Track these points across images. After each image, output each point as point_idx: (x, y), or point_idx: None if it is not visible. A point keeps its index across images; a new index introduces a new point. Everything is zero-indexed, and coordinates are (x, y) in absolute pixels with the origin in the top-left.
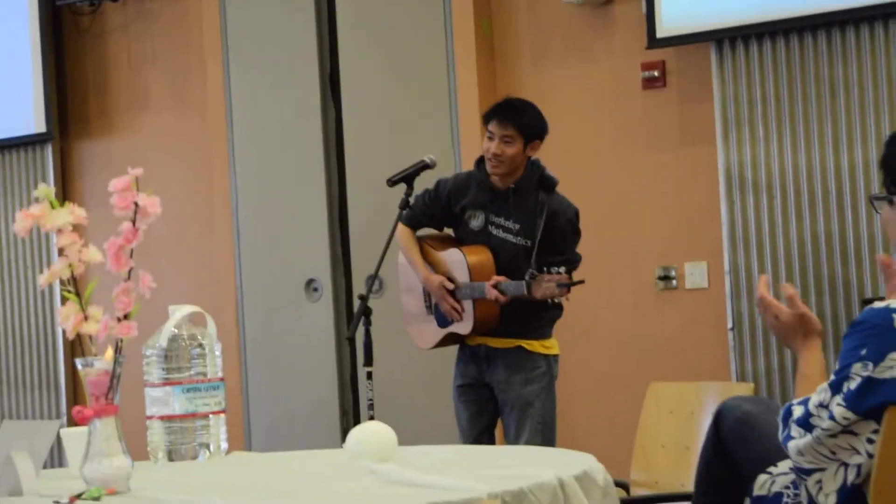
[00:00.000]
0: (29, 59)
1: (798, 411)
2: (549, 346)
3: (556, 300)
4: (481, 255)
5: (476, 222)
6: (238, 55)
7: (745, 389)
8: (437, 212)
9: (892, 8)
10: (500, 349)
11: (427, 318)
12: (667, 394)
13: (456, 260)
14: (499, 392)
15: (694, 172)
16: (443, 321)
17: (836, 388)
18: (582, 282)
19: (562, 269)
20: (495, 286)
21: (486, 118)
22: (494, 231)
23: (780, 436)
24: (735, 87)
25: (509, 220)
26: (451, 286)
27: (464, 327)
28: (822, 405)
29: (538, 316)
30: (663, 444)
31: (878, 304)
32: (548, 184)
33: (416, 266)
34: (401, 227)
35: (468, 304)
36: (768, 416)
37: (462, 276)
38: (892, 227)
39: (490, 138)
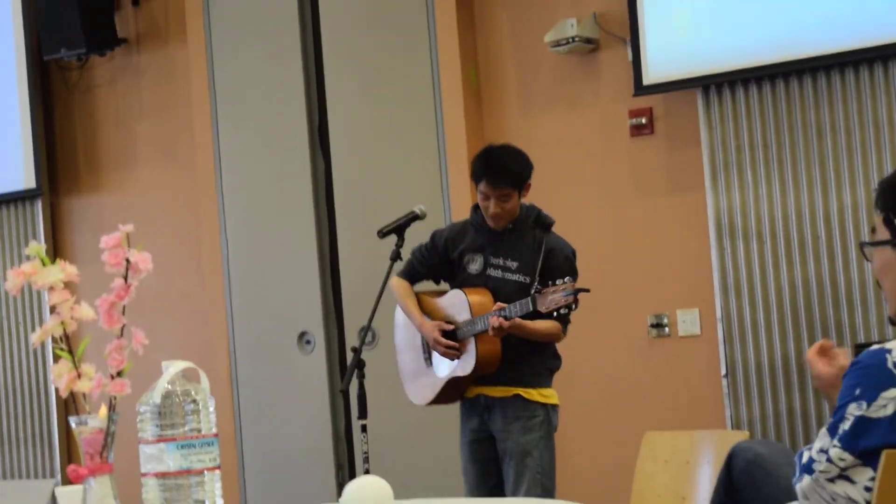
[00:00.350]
0: (17, 115)
1: (806, 456)
2: (548, 395)
3: (558, 328)
4: (482, 295)
5: (475, 266)
6: (226, 109)
7: (740, 437)
8: (436, 261)
9: (877, 52)
10: (498, 398)
11: (425, 371)
12: (662, 443)
13: (456, 301)
14: (498, 441)
15: (683, 218)
16: (440, 368)
17: (833, 430)
18: (587, 290)
19: (567, 279)
20: (499, 311)
21: (476, 177)
22: (493, 272)
23: (793, 480)
24: (723, 132)
25: (507, 258)
26: (448, 327)
27: (465, 366)
28: (823, 451)
29: (536, 364)
30: (659, 493)
31: (874, 347)
32: (544, 222)
33: (412, 314)
34: (396, 280)
35: (470, 343)
36: (779, 459)
37: (464, 315)
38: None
39: (486, 198)
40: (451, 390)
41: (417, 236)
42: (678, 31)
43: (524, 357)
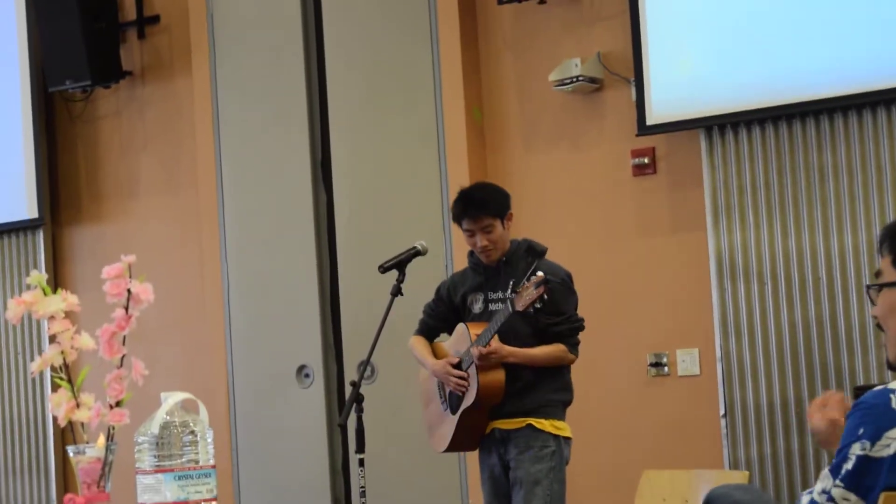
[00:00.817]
0: (21, 145)
1: (805, 500)
2: (560, 427)
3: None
4: (482, 325)
5: (478, 305)
6: (229, 142)
7: (739, 478)
8: (444, 311)
9: (880, 96)
10: (511, 430)
11: (443, 415)
12: (661, 481)
13: (459, 335)
14: (511, 471)
15: (685, 258)
16: (455, 406)
17: (835, 471)
18: (554, 280)
19: (538, 273)
20: (474, 342)
21: (457, 219)
22: (494, 307)
23: None
24: (725, 172)
25: (505, 290)
26: (454, 360)
27: (470, 396)
28: (824, 491)
29: (547, 396)
30: None
31: (878, 387)
32: (536, 250)
33: (424, 360)
34: (412, 337)
35: (472, 373)
36: None
37: (465, 346)
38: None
39: (471, 235)
40: (468, 429)
41: (419, 271)
42: (682, 72)
43: (534, 389)
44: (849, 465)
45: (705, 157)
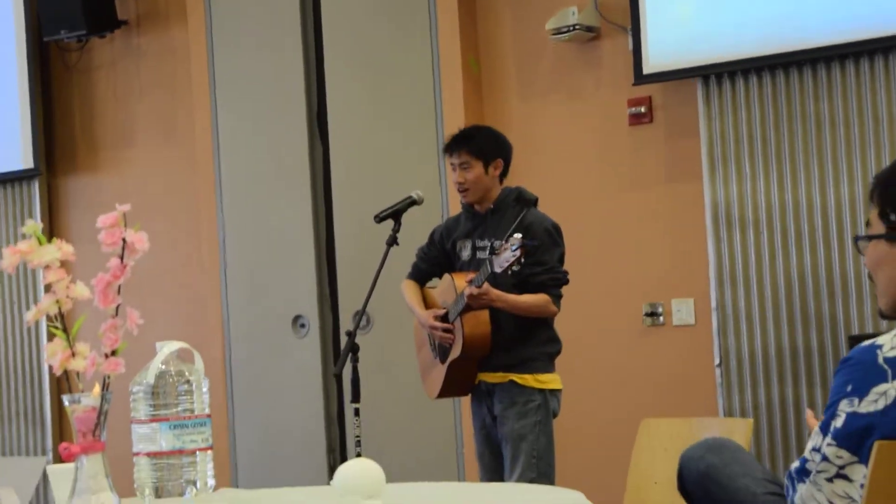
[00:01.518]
0: (16, 96)
1: (795, 464)
2: (545, 380)
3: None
4: (468, 275)
5: (466, 252)
6: (225, 92)
7: (742, 425)
8: (435, 255)
9: (878, 44)
10: (496, 384)
11: (434, 362)
12: (659, 431)
13: (446, 285)
14: (498, 426)
15: (680, 209)
16: (444, 355)
17: (825, 428)
18: (532, 243)
19: (517, 235)
20: (469, 282)
21: (444, 152)
22: (481, 255)
23: (788, 499)
24: (721, 123)
25: (492, 239)
26: (441, 312)
27: (456, 347)
28: (815, 449)
29: (531, 349)
30: (656, 480)
31: (865, 343)
32: (526, 199)
33: (414, 308)
34: (404, 282)
35: (458, 325)
36: (732, 468)
37: (452, 296)
38: (891, 265)
39: (453, 169)
40: (457, 377)
41: (414, 221)
42: (679, 21)
43: (518, 341)
44: (838, 423)
45: (702, 107)
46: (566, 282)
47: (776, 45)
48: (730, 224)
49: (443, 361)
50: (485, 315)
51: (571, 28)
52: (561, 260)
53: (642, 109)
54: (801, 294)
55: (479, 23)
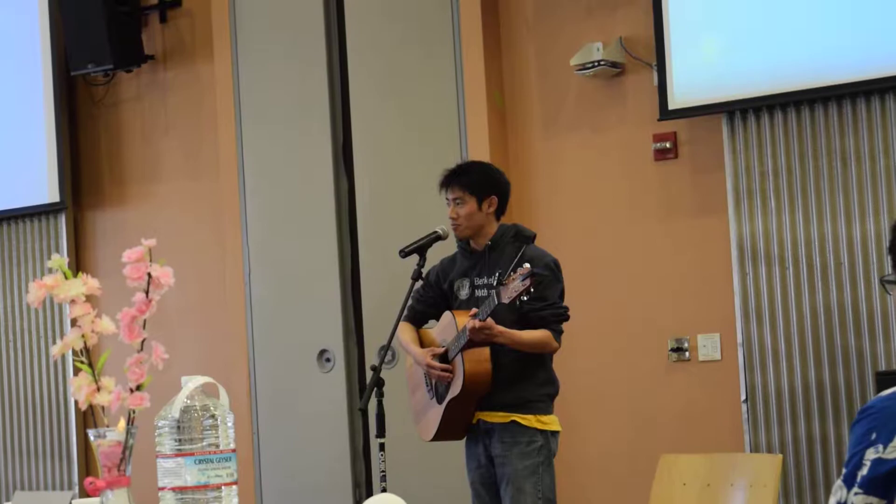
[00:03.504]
0: (43, 129)
1: None
2: (547, 421)
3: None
4: (469, 312)
5: (464, 291)
6: (251, 126)
7: (771, 460)
8: (432, 296)
9: None
10: (496, 423)
11: (430, 403)
12: (679, 466)
13: (446, 323)
14: (497, 466)
15: (706, 243)
16: (441, 395)
17: (849, 480)
18: (542, 272)
19: (525, 265)
20: (472, 316)
21: (440, 189)
22: (480, 293)
23: None
24: (747, 158)
25: (490, 276)
26: (439, 351)
27: (456, 386)
28: (841, 502)
29: (533, 390)
30: None
31: (885, 392)
32: (525, 235)
33: (409, 348)
34: (401, 324)
35: (458, 363)
36: None
37: (452, 334)
38: None
39: (447, 204)
40: (455, 417)
41: (439, 256)
42: (704, 57)
43: (517, 380)
44: (864, 472)
45: (727, 142)
46: (567, 318)
47: (801, 82)
48: (755, 259)
49: (440, 402)
50: (486, 352)
51: (596, 64)
52: (562, 296)
53: (667, 145)
54: (828, 329)
55: (504, 58)
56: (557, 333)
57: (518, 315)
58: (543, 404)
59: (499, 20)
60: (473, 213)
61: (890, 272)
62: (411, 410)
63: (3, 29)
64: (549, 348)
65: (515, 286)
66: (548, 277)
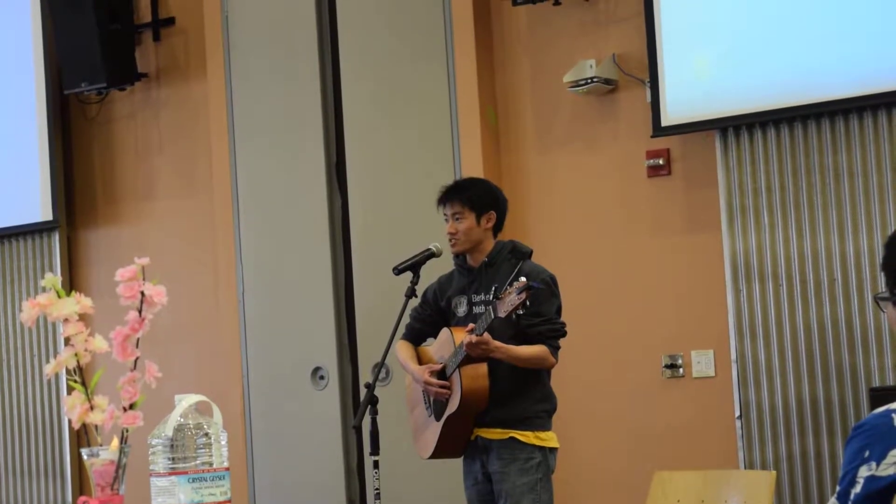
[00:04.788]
0: (36, 148)
1: None
2: (545, 438)
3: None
4: (465, 331)
5: (462, 308)
6: (244, 143)
7: (765, 477)
8: (429, 314)
9: (895, 96)
10: (494, 440)
11: (428, 421)
12: (674, 482)
13: (444, 339)
14: (495, 483)
15: (700, 260)
16: (439, 412)
17: (843, 497)
18: (538, 285)
19: (521, 279)
20: (469, 332)
21: (438, 204)
22: (478, 309)
23: None
24: (740, 174)
25: (488, 293)
26: (437, 367)
27: (453, 402)
28: None
29: (531, 406)
30: None
31: (878, 409)
32: (521, 252)
33: (407, 366)
34: (399, 342)
35: (456, 379)
36: None
37: (449, 350)
38: None
39: (446, 221)
40: (453, 434)
41: (433, 273)
42: (696, 73)
43: (515, 396)
44: (857, 489)
45: (720, 159)
46: (564, 333)
47: (794, 98)
48: (749, 275)
49: (438, 418)
50: (483, 368)
51: (589, 80)
52: (559, 312)
53: (661, 161)
54: (822, 345)
55: (497, 74)
56: (555, 349)
57: (515, 331)
58: (541, 420)
59: (492, 37)
60: (472, 229)
61: (884, 289)
62: (410, 428)
63: None
64: (547, 364)
65: (512, 300)
66: (544, 293)
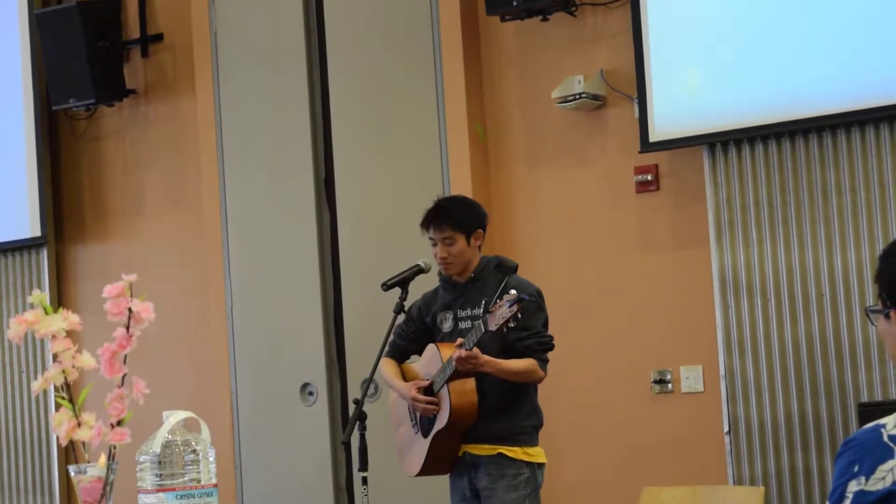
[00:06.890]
0: (24, 164)
1: None
2: (533, 453)
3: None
4: (454, 344)
5: (447, 324)
6: (233, 160)
7: (753, 493)
8: (414, 331)
9: (883, 112)
10: (482, 456)
11: (415, 438)
12: (662, 498)
13: (430, 355)
14: (483, 499)
15: (688, 275)
16: (427, 429)
17: None
18: (529, 298)
19: (511, 292)
20: (458, 346)
21: (423, 227)
22: (463, 325)
23: None
24: (728, 190)
25: (474, 308)
26: (424, 384)
27: (442, 418)
28: None
29: (519, 421)
30: None
31: (868, 425)
32: (507, 266)
33: (392, 383)
34: (383, 359)
35: (444, 395)
36: None
37: (436, 366)
38: (891, 340)
39: (434, 245)
40: (441, 450)
41: (421, 289)
42: (685, 89)
43: (503, 411)
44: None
45: (708, 174)
46: (552, 347)
47: (782, 114)
48: (737, 290)
49: (425, 435)
50: (471, 384)
51: (578, 96)
52: (545, 325)
53: (649, 177)
54: (810, 360)
55: (486, 91)
56: (543, 363)
57: (503, 345)
58: (529, 436)
59: (480, 53)
60: (464, 250)
61: (875, 302)
62: (395, 446)
63: None
64: (536, 377)
65: (503, 313)
66: (532, 307)
